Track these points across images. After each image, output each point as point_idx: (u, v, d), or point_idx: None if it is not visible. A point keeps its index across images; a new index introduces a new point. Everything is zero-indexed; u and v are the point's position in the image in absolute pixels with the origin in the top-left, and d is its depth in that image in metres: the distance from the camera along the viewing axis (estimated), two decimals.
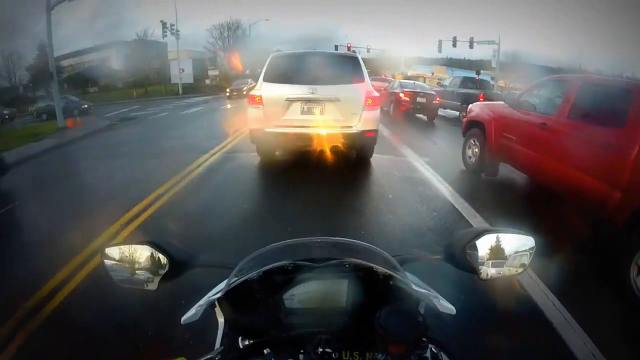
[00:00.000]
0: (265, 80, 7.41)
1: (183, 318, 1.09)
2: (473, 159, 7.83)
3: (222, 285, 1.12)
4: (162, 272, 1.15)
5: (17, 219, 6.23)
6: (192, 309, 1.09)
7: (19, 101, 41.43)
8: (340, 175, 7.29)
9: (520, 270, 1.19)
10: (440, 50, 43.76)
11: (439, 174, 7.47)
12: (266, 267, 1.05)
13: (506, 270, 1.17)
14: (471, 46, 40.13)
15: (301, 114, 7.13)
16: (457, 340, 1.08)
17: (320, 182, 6.83)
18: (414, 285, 1.06)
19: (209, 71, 53.45)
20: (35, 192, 7.70)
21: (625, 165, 4.29)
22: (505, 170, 7.42)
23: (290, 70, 7.51)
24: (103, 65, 55.57)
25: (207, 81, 48.93)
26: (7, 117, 30.89)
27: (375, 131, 7.39)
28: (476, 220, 5.27)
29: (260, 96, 7.19)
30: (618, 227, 4.27)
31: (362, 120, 7.09)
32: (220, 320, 1.13)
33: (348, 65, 7.62)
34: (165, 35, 42.65)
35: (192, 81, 47.98)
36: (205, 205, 6.17)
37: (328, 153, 7.32)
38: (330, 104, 7.08)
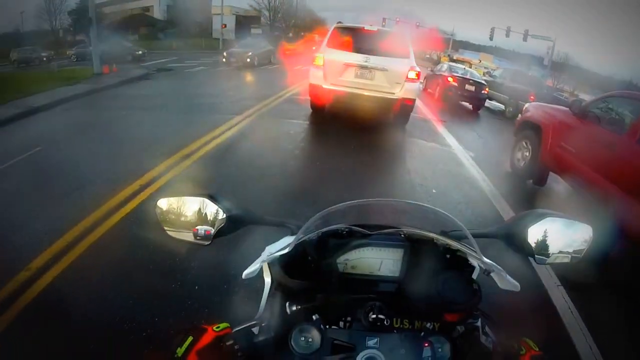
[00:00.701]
0: (327, 45, 8.84)
1: (244, 273, 1.06)
2: (522, 163, 7.32)
3: (278, 244, 1.13)
4: (218, 226, 1.15)
5: (40, 162, 6.44)
6: (253, 263, 1.06)
7: (58, 44, 42.65)
8: (383, 160, 7.17)
9: (576, 257, 1.18)
10: (492, 38, 42.24)
11: (485, 172, 7.07)
12: (321, 230, 1.08)
13: (562, 257, 1.17)
14: (525, 39, 38.67)
15: (355, 77, 8.59)
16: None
17: (360, 167, 6.55)
18: (477, 257, 1.04)
19: (251, 29, 53.00)
20: (58, 137, 7.81)
21: None
22: (552, 180, 7.01)
23: (348, 39, 8.79)
24: (144, 14, 55.87)
25: (248, 38, 48.62)
26: (44, 59, 31.61)
27: (413, 100, 8.90)
28: None
29: (323, 58, 8.62)
30: None
31: (403, 89, 8.55)
32: (267, 280, 1.11)
33: (398, 42, 9.00)
34: None
35: (233, 37, 47.53)
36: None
37: (371, 115, 8.75)
38: (379, 72, 8.52)
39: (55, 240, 3.78)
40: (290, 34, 61.01)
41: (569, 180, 6.43)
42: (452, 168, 7.21)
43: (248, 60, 24.25)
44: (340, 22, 9.66)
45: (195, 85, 16.10)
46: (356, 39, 8.78)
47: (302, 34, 64.15)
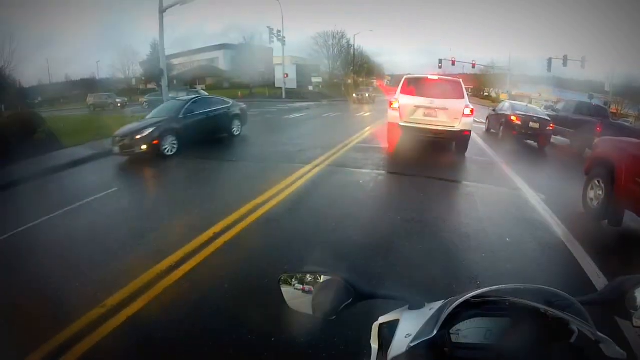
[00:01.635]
0: (401, 92, 11.48)
1: (390, 356, 1.10)
2: (595, 203, 7.10)
3: (405, 319, 1.19)
4: (341, 300, 1.22)
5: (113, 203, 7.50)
6: (393, 347, 1.11)
7: (131, 92, 46.38)
8: (455, 209, 7.31)
9: None
10: (549, 70, 41.37)
11: (558, 216, 6.96)
12: (441, 304, 1.14)
13: None
14: (583, 65, 37.63)
15: (423, 116, 11.10)
16: None
17: (432, 218, 6.67)
18: (583, 326, 1.05)
19: (312, 78, 54.90)
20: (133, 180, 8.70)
21: None
22: (628, 219, 6.67)
23: (417, 87, 11.47)
24: (211, 65, 59.40)
25: (310, 87, 50.37)
26: (119, 104, 34.20)
27: (470, 131, 11.28)
28: (599, 280, 4.72)
29: (398, 102, 11.29)
30: None
31: (461, 123, 10.96)
32: (374, 346, 1.19)
33: (454, 87, 11.55)
34: (272, 41, 44.49)
35: (295, 86, 49.50)
36: None
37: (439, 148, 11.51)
38: (442, 111, 11.01)
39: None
40: (350, 80, 62.58)
41: None
42: (525, 213, 7.16)
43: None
44: (409, 74, 12.38)
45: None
46: (422, 86, 11.48)
47: (361, 79, 65.70)
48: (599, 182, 7.11)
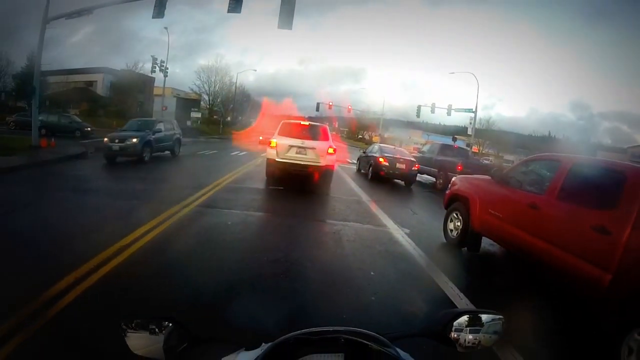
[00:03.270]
0: (278, 134, 13.33)
1: None
2: (455, 233, 7.61)
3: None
4: (180, 346, 1.30)
5: None
6: None
7: None
8: (320, 246, 7.11)
9: (490, 343, 1.38)
10: (418, 115, 44.89)
11: (421, 247, 7.16)
12: (271, 344, 1.20)
13: (482, 338, 1.37)
14: (449, 113, 41.22)
15: (295, 153, 12.96)
16: None
17: (297, 254, 6.41)
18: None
19: (191, 113, 53.33)
20: None
21: (617, 247, 4.18)
22: (486, 243, 7.34)
23: (291, 130, 13.54)
24: (88, 88, 55.03)
25: (188, 123, 48.50)
26: None
27: (332, 166, 13.57)
28: (461, 301, 4.95)
29: (276, 142, 13.03)
30: (608, 309, 4.19)
31: (325, 160, 12.99)
32: None
33: (321, 131, 13.74)
34: (154, 71, 42.09)
35: (173, 119, 47.34)
36: None
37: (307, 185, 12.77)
38: (310, 150, 12.97)
39: None
40: (229, 118, 61.90)
41: (500, 243, 6.82)
42: (389, 247, 7.20)
43: None
44: (286, 120, 14.59)
45: (135, 170, 15.36)
46: (296, 129, 13.64)
47: (240, 118, 65.25)
48: (457, 214, 7.63)
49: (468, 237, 7.22)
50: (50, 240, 6.03)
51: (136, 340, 1.31)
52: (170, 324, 1.30)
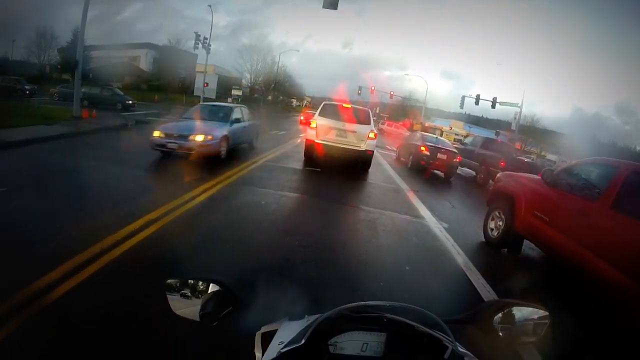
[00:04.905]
0: (319, 115, 13.14)
1: None
2: (496, 232, 7.22)
3: (284, 329, 1.26)
4: (222, 308, 1.29)
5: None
6: (269, 351, 1.17)
7: (43, 80, 41.96)
8: (356, 237, 6.78)
9: (533, 339, 1.37)
10: (462, 106, 43.72)
11: (459, 244, 6.87)
12: (317, 317, 1.18)
13: (523, 338, 1.37)
14: (493, 106, 39.97)
15: (336, 136, 12.71)
16: None
17: (334, 244, 6.21)
18: (451, 342, 1.15)
19: (232, 90, 53.51)
20: (25, 181, 7.53)
21: None
22: (526, 247, 6.96)
23: (332, 111, 13.17)
24: (131, 63, 56.21)
25: (229, 100, 48.56)
26: (27, 92, 30.79)
27: (373, 151, 13.08)
28: None
29: (316, 123, 12.84)
30: None
31: (366, 144, 12.71)
32: (258, 355, 1.23)
33: (363, 114, 13.40)
34: (197, 47, 42.25)
35: (214, 97, 47.52)
36: None
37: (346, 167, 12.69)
38: (351, 133, 12.69)
39: None
40: (269, 97, 61.96)
41: (543, 248, 6.41)
42: (426, 242, 6.96)
43: None
44: (328, 100, 14.65)
45: None
46: (337, 111, 13.19)
47: (281, 97, 65.34)
48: (499, 213, 7.25)
49: (509, 238, 6.85)
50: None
51: (178, 300, 1.33)
52: (216, 287, 1.31)
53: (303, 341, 1.10)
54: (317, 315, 1.21)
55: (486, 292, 5.09)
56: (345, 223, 7.54)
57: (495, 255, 7.01)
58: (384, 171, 15.05)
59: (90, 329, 3.18)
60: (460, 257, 6.30)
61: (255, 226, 6.48)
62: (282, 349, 1.11)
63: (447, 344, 1.16)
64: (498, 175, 8.33)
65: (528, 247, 7.04)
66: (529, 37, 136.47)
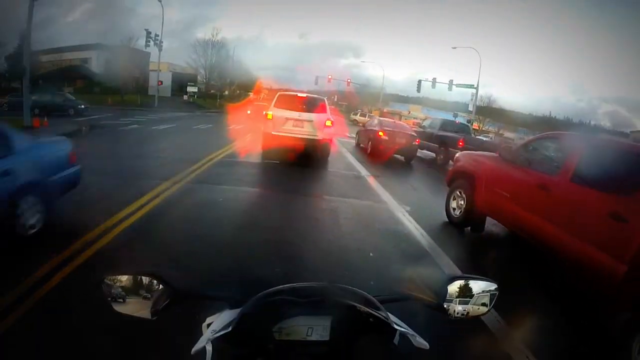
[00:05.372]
0: (274, 106, 12.98)
1: (193, 350, 1.13)
2: (458, 212, 7.22)
3: (220, 317, 1.23)
4: (163, 302, 1.24)
5: None
6: (200, 341, 1.14)
7: None
8: (316, 227, 6.62)
9: (483, 310, 1.36)
10: (419, 90, 43.94)
11: (422, 226, 6.83)
12: (257, 303, 1.16)
13: (471, 309, 1.34)
14: (450, 88, 40.56)
15: (292, 126, 12.51)
16: None
17: (293, 235, 6.03)
18: (394, 322, 1.17)
19: (187, 87, 52.55)
20: None
21: (633, 237, 3.85)
22: (489, 223, 6.99)
23: (288, 102, 13.10)
24: (82, 66, 54.31)
25: (185, 97, 47.67)
26: None
27: (329, 140, 12.95)
28: None
29: (272, 115, 12.62)
30: (621, 303, 3.85)
31: (322, 133, 12.56)
32: (209, 349, 1.14)
33: (319, 102, 13.29)
34: (148, 45, 41.12)
35: (169, 95, 46.59)
36: None
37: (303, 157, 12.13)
38: (307, 123, 12.50)
39: None
40: (226, 92, 61.06)
41: (506, 225, 6.48)
42: (389, 226, 6.88)
43: None
44: (282, 91, 14.87)
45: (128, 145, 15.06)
46: (292, 101, 13.20)
47: (238, 91, 64.55)
48: (460, 192, 7.23)
49: (472, 217, 6.87)
50: None
51: (115, 296, 1.26)
52: (154, 281, 1.25)
53: (231, 327, 1.09)
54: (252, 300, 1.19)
55: (452, 271, 5.03)
56: (307, 214, 7.32)
57: (459, 234, 7.01)
58: (345, 158, 15.00)
59: None
60: (424, 239, 6.26)
61: (215, 223, 6.25)
62: (212, 336, 1.10)
63: (394, 326, 1.16)
64: (457, 155, 8.37)
65: (491, 224, 7.05)
66: (485, 19, 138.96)
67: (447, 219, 7.48)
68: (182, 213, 6.65)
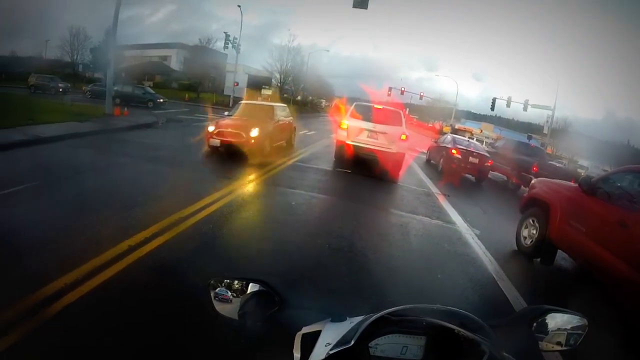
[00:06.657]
0: (350, 116, 13.10)
1: None
2: (529, 241, 7.01)
3: (326, 330, 1.22)
4: (270, 309, 1.30)
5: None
6: (316, 354, 1.15)
7: (76, 78, 43.58)
8: (386, 242, 6.73)
9: (566, 347, 1.36)
10: (493, 108, 42.77)
11: (491, 252, 6.76)
12: (363, 318, 1.18)
13: (559, 346, 1.36)
14: (525, 109, 39.20)
15: (366, 137, 12.62)
16: None
17: (363, 249, 6.12)
18: (488, 347, 1.12)
19: (262, 90, 53.81)
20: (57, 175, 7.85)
21: None
22: (560, 258, 6.77)
23: (363, 112, 13.14)
24: (162, 63, 57.50)
25: (259, 99, 48.78)
26: (60, 89, 31.91)
27: (404, 153, 12.98)
28: None
29: (347, 124, 12.78)
30: None
31: (397, 146, 12.51)
32: (297, 355, 1.22)
33: (395, 115, 13.29)
34: (227, 47, 42.92)
35: (244, 96, 47.96)
36: None
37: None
38: (382, 134, 12.58)
39: None
40: (299, 97, 61.96)
41: (578, 260, 6.23)
42: (458, 248, 6.88)
43: None
44: (358, 102, 14.39)
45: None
46: (368, 112, 13.19)
47: (310, 97, 65.36)
48: (533, 221, 7.05)
49: (543, 248, 6.63)
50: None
51: (220, 299, 1.35)
52: (257, 286, 1.34)
53: (352, 342, 1.10)
54: (360, 318, 1.23)
55: (518, 303, 4.99)
56: (377, 227, 7.50)
57: (527, 264, 6.85)
58: (415, 174, 14.89)
59: None
60: (492, 267, 6.18)
61: (286, 227, 6.53)
62: (330, 350, 1.11)
63: (485, 348, 1.14)
64: (533, 181, 8.13)
65: (561, 258, 6.85)
66: (562, 39, 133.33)
67: (516, 247, 7.31)
68: (255, 213, 7.16)
